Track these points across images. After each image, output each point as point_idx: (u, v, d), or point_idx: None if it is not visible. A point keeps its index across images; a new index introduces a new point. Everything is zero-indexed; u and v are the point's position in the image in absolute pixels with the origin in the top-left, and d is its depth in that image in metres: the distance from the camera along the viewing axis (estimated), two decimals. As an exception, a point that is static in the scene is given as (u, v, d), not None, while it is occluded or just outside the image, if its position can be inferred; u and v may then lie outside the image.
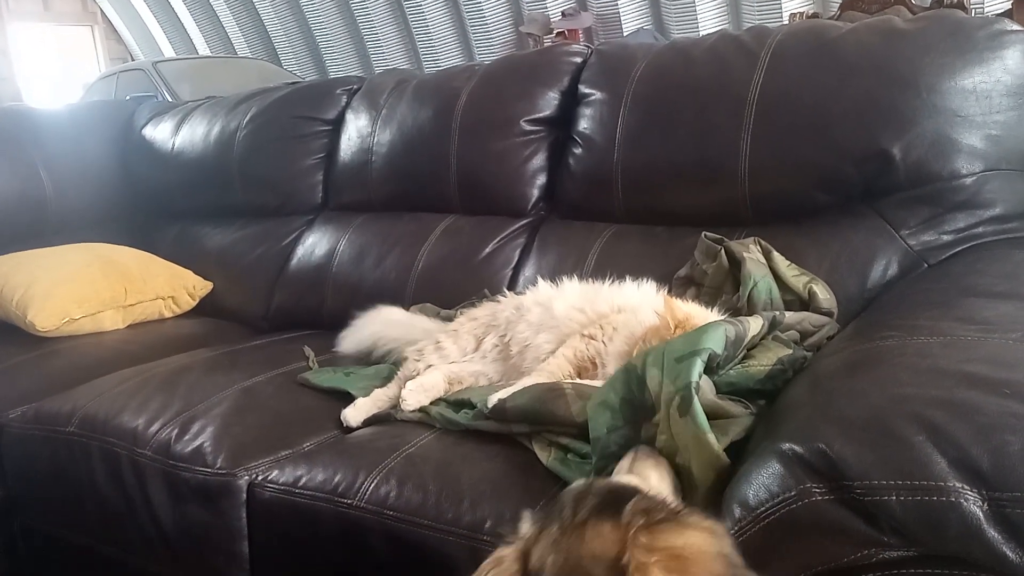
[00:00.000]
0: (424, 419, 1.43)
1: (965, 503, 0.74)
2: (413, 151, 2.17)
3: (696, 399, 0.98)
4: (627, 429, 1.08)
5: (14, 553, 1.76)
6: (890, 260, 1.53)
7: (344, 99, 2.42)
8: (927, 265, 1.51)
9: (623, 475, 0.99)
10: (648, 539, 0.73)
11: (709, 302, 1.49)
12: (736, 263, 1.55)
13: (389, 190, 2.24)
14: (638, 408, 1.07)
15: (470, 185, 2.10)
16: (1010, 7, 3.23)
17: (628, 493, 0.82)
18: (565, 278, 1.59)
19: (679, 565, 0.72)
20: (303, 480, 1.31)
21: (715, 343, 1.08)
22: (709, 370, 1.07)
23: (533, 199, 2.03)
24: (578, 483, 0.88)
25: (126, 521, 1.51)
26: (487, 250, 2.00)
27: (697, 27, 6.66)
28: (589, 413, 1.12)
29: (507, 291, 1.78)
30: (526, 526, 0.83)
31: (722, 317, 1.34)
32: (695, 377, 1.01)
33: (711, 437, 0.96)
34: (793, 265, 1.54)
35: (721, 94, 1.72)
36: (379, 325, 1.80)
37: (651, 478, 0.96)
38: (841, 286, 1.52)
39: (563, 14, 7.30)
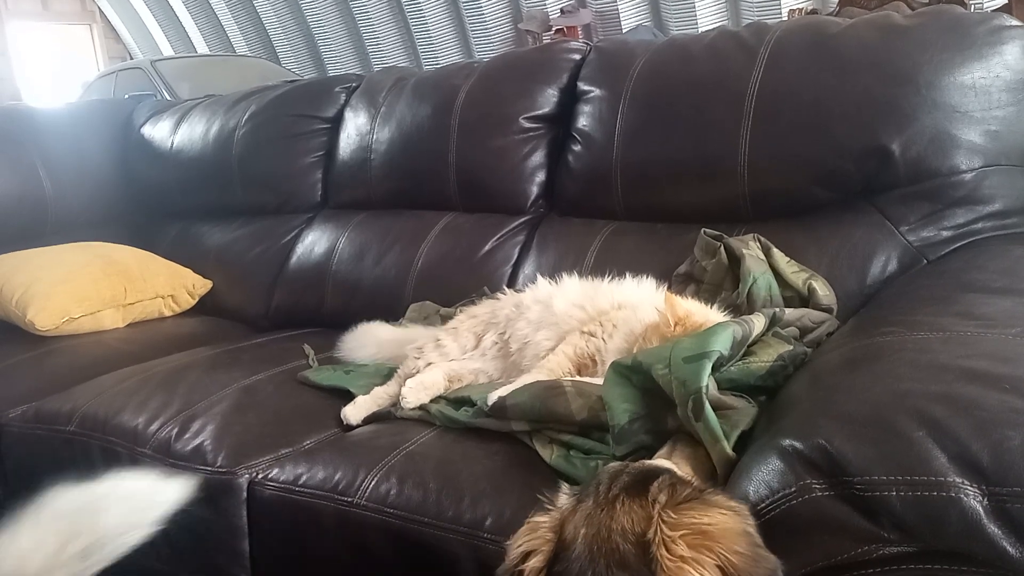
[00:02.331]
0: (424, 417, 1.43)
1: (965, 498, 0.74)
2: (412, 149, 2.17)
3: (707, 404, 0.99)
4: (649, 419, 1.09)
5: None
6: (889, 256, 1.53)
7: (343, 97, 2.42)
8: (926, 261, 1.51)
9: (660, 460, 1.01)
10: (674, 516, 0.76)
11: (709, 299, 1.49)
12: (736, 260, 1.55)
13: (388, 188, 2.24)
14: (658, 398, 1.08)
15: (469, 183, 2.10)
16: (1007, 1, 3.23)
17: (657, 473, 0.85)
18: (565, 275, 1.59)
19: (703, 541, 0.74)
20: (303, 478, 1.32)
21: (723, 344, 1.08)
22: (713, 369, 1.07)
23: (532, 196, 2.03)
24: (615, 463, 0.92)
25: (127, 520, 1.51)
26: (487, 247, 2.00)
27: (696, 23, 6.66)
28: (607, 402, 1.12)
29: (507, 288, 1.78)
30: (564, 498, 0.86)
31: (724, 315, 1.35)
32: (704, 381, 1.01)
33: (724, 444, 0.97)
34: (793, 261, 1.54)
35: (720, 91, 1.72)
36: (374, 348, 1.79)
37: (684, 467, 0.98)
38: (841, 282, 1.52)
39: (562, 11, 7.29)
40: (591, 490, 0.84)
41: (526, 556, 0.82)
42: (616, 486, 0.83)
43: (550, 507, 0.86)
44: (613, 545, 0.78)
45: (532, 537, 0.83)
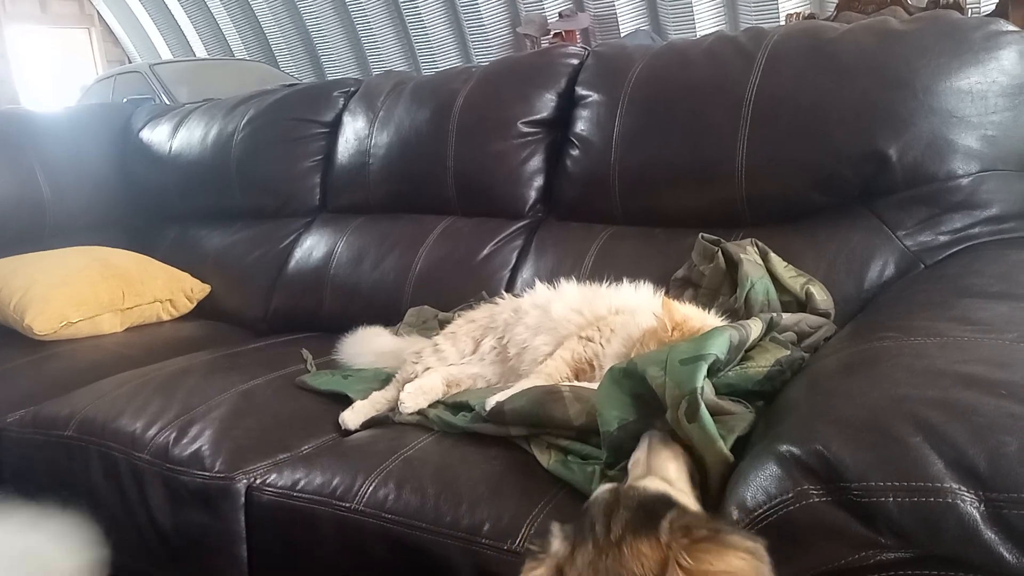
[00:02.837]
0: (422, 422, 1.43)
1: (962, 504, 0.74)
2: (410, 153, 2.18)
3: (703, 405, 0.99)
4: (640, 424, 1.08)
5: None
6: (887, 261, 1.53)
7: (341, 101, 2.43)
8: (924, 266, 1.51)
9: (640, 467, 0.96)
10: (691, 561, 0.72)
11: (706, 303, 1.49)
12: (733, 264, 1.55)
13: (387, 192, 2.24)
14: (649, 403, 1.08)
15: (468, 187, 2.10)
16: (995, 7, 3.24)
17: (661, 506, 0.79)
18: (563, 280, 1.59)
19: None
20: (301, 483, 1.31)
21: (719, 348, 1.08)
22: (710, 373, 1.08)
23: (531, 201, 2.04)
24: (603, 491, 0.85)
25: (125, 524, 1.51)
26: (485, 252, 2.00)
27: (694, 28, 6.67)
28: (597, 408, 1.12)
29: (505, 293, 1.78)
30: (556, 543, 0.81)
31: (720, 319, 1.35)
32: (699, 382, 1.01)
33: (720, 444, 0.97)
34: (790, 266, 1.54)
35: (718, 95, 1.72)
36: (372, 357, 1.79)
37: (669, 470, 0.94)
38: (838, 287, 1.52)
39: (560, 15, 7.30)
40: (587, 530, 0.78)
41: None
42: (617, 525, 0.77)
43: (542, 555, 0.81)
44: None
45: None
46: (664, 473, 0.93)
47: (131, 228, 2.73)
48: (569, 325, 1.46)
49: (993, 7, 3.37)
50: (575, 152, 1.94)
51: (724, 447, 0.97)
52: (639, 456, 0.98)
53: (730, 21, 6.71)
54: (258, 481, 1.37)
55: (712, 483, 0.97)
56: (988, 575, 0.73)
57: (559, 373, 1.37)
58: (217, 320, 2.38)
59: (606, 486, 0.88)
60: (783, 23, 5.67)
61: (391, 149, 2.21)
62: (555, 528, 0.83)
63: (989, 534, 0.72)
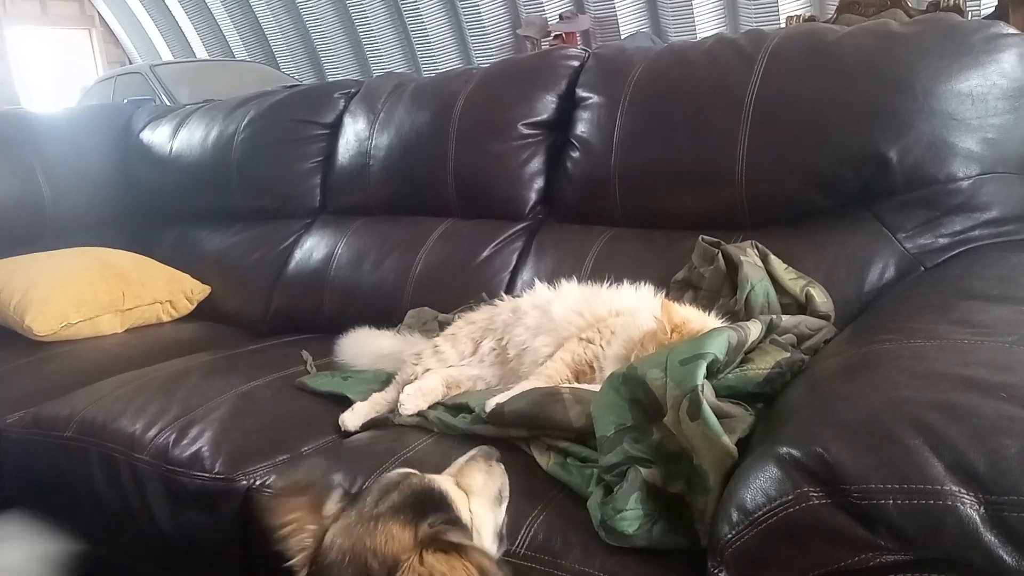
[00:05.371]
0: (422, 423, 1.43)
1: (962, 507, 0.74)
2: (411, 154, 2.18)
3: (705, 402, 0.99)
4: (634, 428, 1.09)
5: (12, 558, 1.76)
6: (887, 263, 1.53)
7: (342, 102, 2.43)
8: (924, 268, 1.51)
9: (454, 467, 1.02)
10: (431, 559, 0.80)
11: (707, 305, 1.49)
12: (733, 266, 1.55)
13: (387, 193, 2.24)
14: (646, 408, 1.08)
15: (468, 188, 2.10)
16: (995, 9, 3.24)
17: (433, 504, 0.87)
18: (563, 281, 1.59)
19: None
20: (301, 484, 1.31)
21: (718, 348, 1.09)
22: (709, 374, 1.08)
23: (531, 202, 2.04)
24: (395, 472, 0.94)
25: (125, 525, 1.51)
26: (485, 253, 2.00)
27: (695, 30, 6.67)
28: (594, 413, 1.13)
29: (505, 294, 1.78)
30: (331, 504, 0.90)
31: (720, 321, 1.35)
32: (699, 380, 1.01)
33: (725, 439, 0.97)
34: (790, 268, 1.54)
35: (718, 97, 1.72)
36: (370, 359, 1.79)
37: (476, 479, 1.00)
38: (838, 289, 1.52)
39: (560, 17, 7.31)
40: (360, 500, 0.87)
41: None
42: (384, 503, 0.86)
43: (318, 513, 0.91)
44: (362, 563, 0.83)
45: (299, 538, 0.92)
46: (469, 480, 1.00)
47: (131, 229, 2.73)
48: (569, 327, 1.46)
49: (993, 9, 3.37)
50: (575, 154, 1.94)
51: (729, 442, 0.97)
52: (460, 460, 1.03)
53: (730, 23, 6.72)
54: (258, 482, 1.37)
55: (713, 484, 0.97)
56: (988, 577, 0.73)
57: (559, 375, 1.37)
58: (217, 321, 2.38)
59: (400, 470, 0.96)
60: (783, 25, 5.68)
61: (391, 151, 2.21)
62: (336, 493, 0.92)
63: (989, 536, 0.72)
